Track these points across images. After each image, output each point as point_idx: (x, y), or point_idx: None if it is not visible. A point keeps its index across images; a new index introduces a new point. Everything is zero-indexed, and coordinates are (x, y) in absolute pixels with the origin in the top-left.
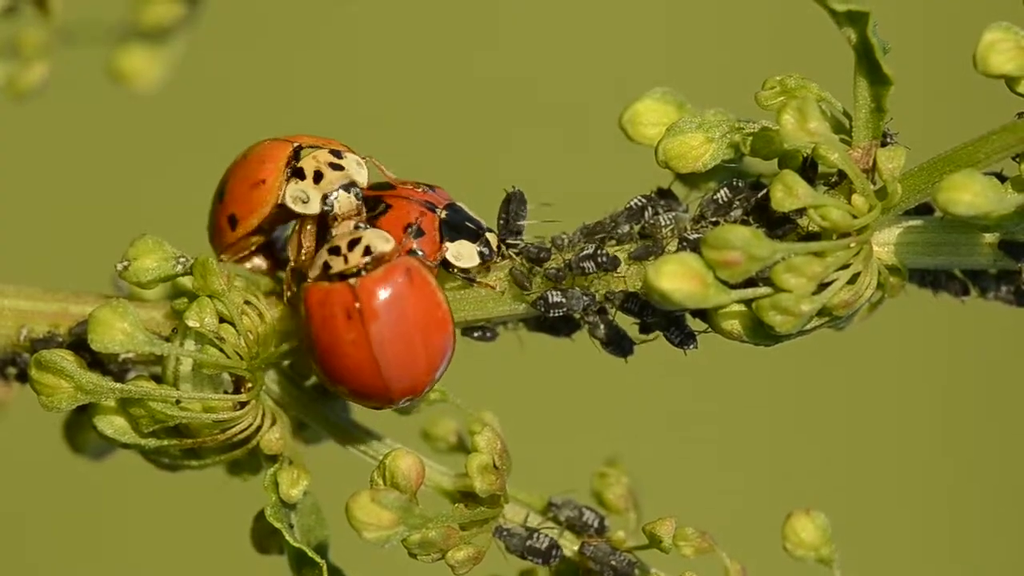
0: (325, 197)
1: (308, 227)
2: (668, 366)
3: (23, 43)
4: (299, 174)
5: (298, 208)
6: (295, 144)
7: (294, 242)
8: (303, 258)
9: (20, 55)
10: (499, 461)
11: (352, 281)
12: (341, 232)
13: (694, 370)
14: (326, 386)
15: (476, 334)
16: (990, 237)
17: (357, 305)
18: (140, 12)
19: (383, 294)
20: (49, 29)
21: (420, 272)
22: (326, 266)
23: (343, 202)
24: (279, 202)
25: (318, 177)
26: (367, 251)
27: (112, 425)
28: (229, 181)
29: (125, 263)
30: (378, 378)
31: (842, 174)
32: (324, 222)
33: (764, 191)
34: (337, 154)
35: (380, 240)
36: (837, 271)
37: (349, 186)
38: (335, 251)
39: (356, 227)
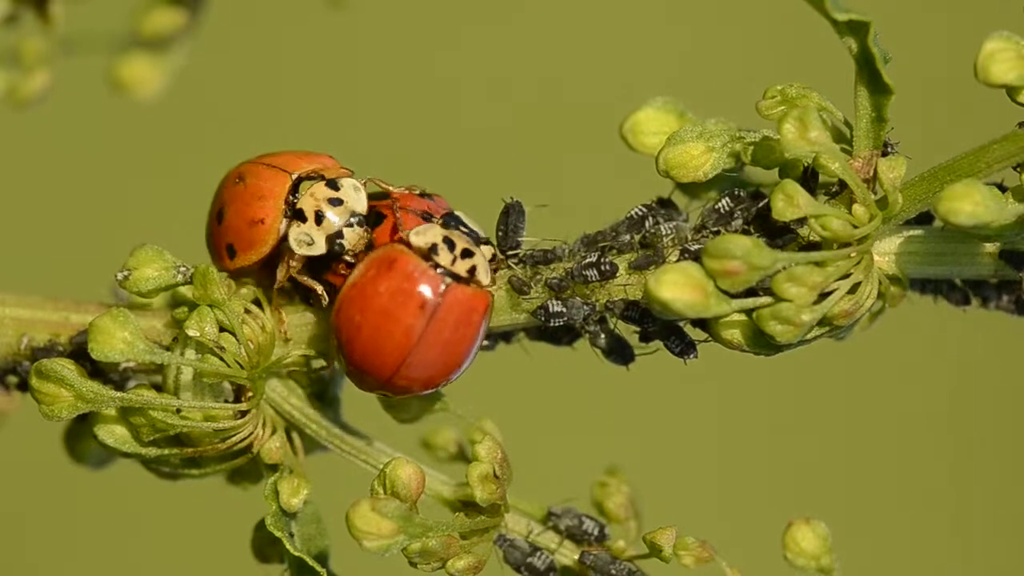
0: (332, 238)
1: (294, 263)
2: (669, 374)
3: (24, 52)
4: (300, 216)
5: (303, 251)
6: (293, 176)
7: (282, 269)
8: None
9: (21, 64)
10: (500, 470)
11: (447, 280)
12: (460, 236)
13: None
14: (335, 340)
15: (483, 343)
16: (991, 247)
17: (437, 302)
18: (141, 21)
19: (460, 312)
20: (50, 38)
21: (489, 310)
22: (432, 249)
23: (352, 239)
24: (279, 239)
25: (319, 219)
26: (472, 271)
27: (113, 434)
28: (227, 208)
29: (125, 273)
30: (396, 366)
31: (843, 184)
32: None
33: (765, 201)
34: (334, 185)
35: (484, 273)
36: (838, 281)
37: (349, 222)
38: (450, 246)
39: (477, 242)
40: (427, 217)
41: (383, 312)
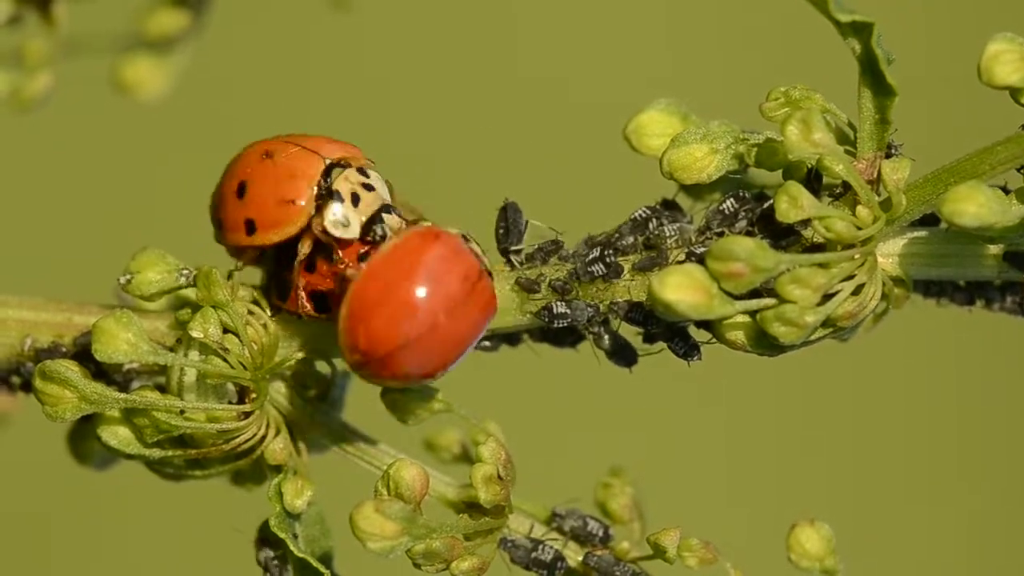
0: (369, 223)
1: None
2: (672, 375)
3: (27, 53)
4: (335, 196)
5: (338, 232)
6: (327, 161)
7: (306, 245)
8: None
9: (24, 65)
10: (503, 471)
11: (484, 264)
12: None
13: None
14: (351, 308)
15: (483, 344)
16: (995, 248)
17: (475, 280)
18: (145, 22)
19: (485, 299)
20: (54, 40)
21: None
22: (465, 238)
23: (393, 223)
24: (307, 222)
25: (356, 200)
26: (490, 273)
27: (116, 436)
28: (252, 183)
29: (128, 277)
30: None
31: (847, 185)
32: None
33: (769, 202)
34: (363, 172)
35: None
36: (841, 282)
37: (385, 207)
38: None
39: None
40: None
41: (429, 275)
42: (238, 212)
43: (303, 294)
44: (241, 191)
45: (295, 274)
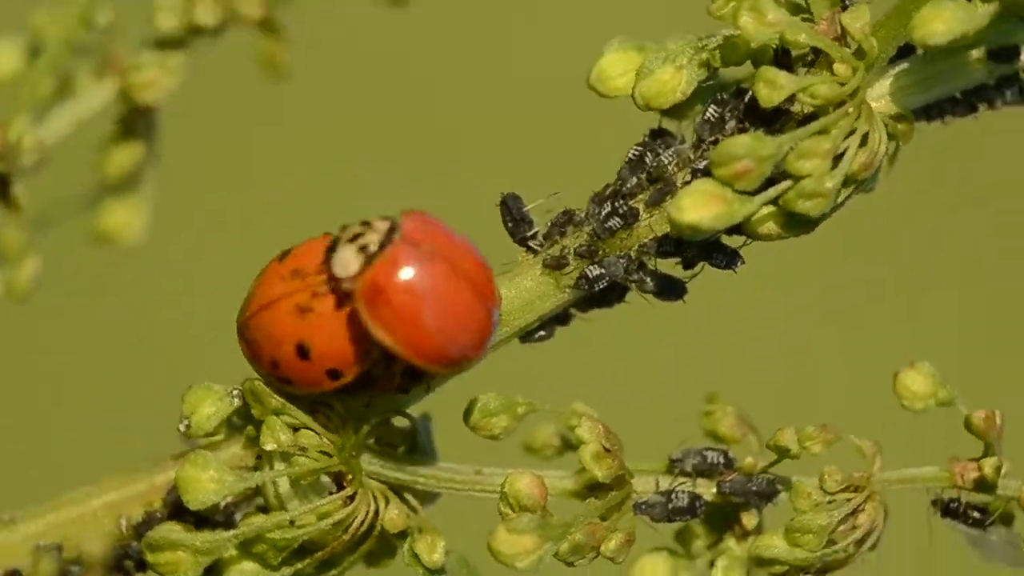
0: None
1: None
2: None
3: (5, 246)
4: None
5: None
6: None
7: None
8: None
9: (6, 258)
10: (608, 443)
11: None
12: None
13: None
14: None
15: (538, 335)
16: (976, 52)
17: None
18: (103, 168)
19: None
20: (23, 222)
21: None
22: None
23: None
24: None
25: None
26: None
27: (244, 572)
28: (313, 340)
29: (186, 422)
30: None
31: (816, 51)
32: None
33: (749, 94)
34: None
35: None
36: (846, 140)
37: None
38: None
39: None
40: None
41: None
42: (314, 369)
43: (398, 374)
44: (304, 352)
45: (394, 364)
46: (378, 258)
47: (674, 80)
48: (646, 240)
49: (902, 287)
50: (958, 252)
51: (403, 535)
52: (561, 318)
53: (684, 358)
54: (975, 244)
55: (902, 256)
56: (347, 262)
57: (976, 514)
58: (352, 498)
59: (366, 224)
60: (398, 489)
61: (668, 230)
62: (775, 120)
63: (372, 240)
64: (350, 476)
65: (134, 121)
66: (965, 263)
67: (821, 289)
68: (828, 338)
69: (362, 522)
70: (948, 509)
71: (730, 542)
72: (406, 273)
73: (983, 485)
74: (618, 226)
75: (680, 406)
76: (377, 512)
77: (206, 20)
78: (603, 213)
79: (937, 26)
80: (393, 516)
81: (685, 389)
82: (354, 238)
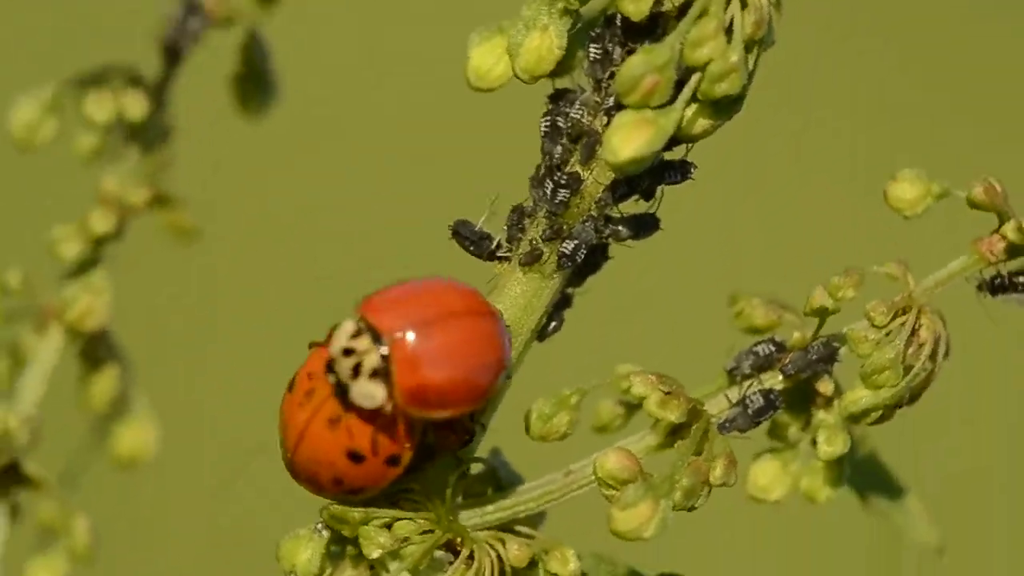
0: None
1: None
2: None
3: (48, 522)
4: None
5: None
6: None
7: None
8: None
9: (56, 533)
10: (665, 386)
11: None
12: None
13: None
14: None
15: (551, 328)
16: None
17: None
18: (90, 405)
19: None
20: (52, 493)
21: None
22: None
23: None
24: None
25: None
26: None
27: None
28: (363, 448)
29: (292, 574)
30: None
31: None
32: None
33: (619, 16)
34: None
35: None
36: (727, 11)
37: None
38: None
39: None
40: None
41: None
42: (374, 467)
43: (451, 430)
44: (357, 457)
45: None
46: (394, 372)
47: (544, 42)
48: (599, 195)
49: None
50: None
51: (533, 564)
52: (562, 302)
53: (675, 286)
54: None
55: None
56: (370, 393)
57: (1022, 278)
58: (471, 556)
59: (344, 346)
60: (506, 528)
61: (613, 175)
62: (655, 27)
63: (369, 359)
64: (459, 539)
65: (94, 350)
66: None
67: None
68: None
69: (492, 572)
70: (995, 286)
71: (819, 415)
72: (426, 362)
73: (1014, 250)
74: (567, 196)
75: (700, 327)
76: (499, 557)
77: (106, 228)
78: (548, 191)
79: None
80: (515, 553)
81: (696, 311)
82: (355, 369)
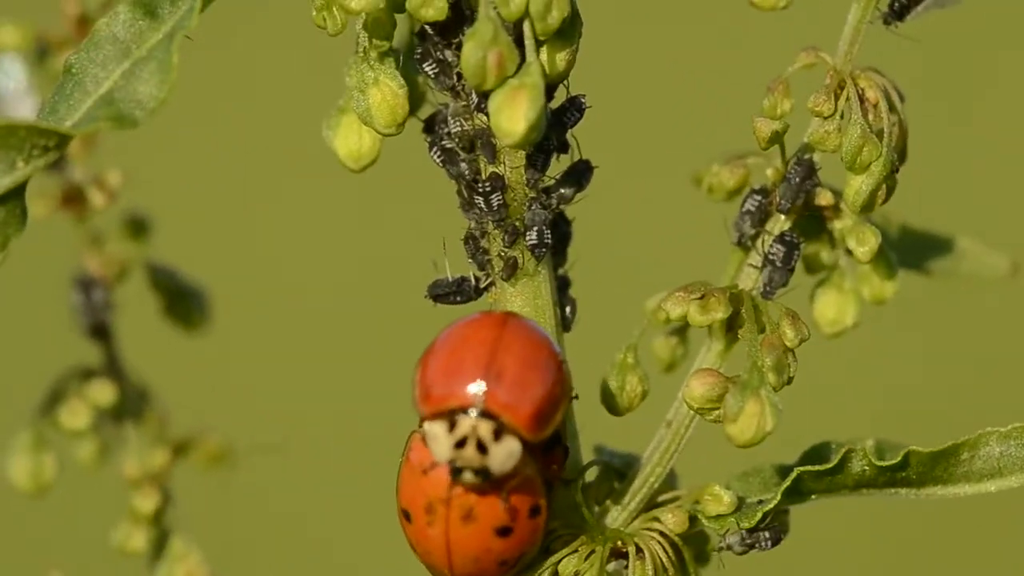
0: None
1: None
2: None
3: None
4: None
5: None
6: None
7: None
8: None
9: None
10: (695, 293)
11: None
12: None
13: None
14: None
15: (567, 315)
16: None
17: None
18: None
19: None
20: None
21: None
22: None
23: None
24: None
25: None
26: None
27: None
28: (479, 509)
29: None
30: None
31: None
32: None
33: (421, 26)
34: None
35: None
36: None
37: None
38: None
39: None
40: None
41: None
42: (524, 529)
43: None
44: (506, 531)
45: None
46: (507, 419)
47: (386, 93)
48: (525, 177)
49: None
50: None
51: (693, 520)
52: (563, 285)
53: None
54: None
55: None
56: (508, 450)
57: None
58: (639, 550)
59: (452, 444)
60: (651, 505)
61: (523, 153)
62: (462, 14)
63: (480, 430)
64: (619, 542)
65: None
66: None
67: None
68: None
69: (661, 550)
70: (898, 10)
71: (836, 225)
72: (516, 387)
73: None
74: (501, 197)
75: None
76: (661, 532)
77: (154, 504)
78: (482, 205)
79: None
80: (670, 523)
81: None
82: (479, 447)
